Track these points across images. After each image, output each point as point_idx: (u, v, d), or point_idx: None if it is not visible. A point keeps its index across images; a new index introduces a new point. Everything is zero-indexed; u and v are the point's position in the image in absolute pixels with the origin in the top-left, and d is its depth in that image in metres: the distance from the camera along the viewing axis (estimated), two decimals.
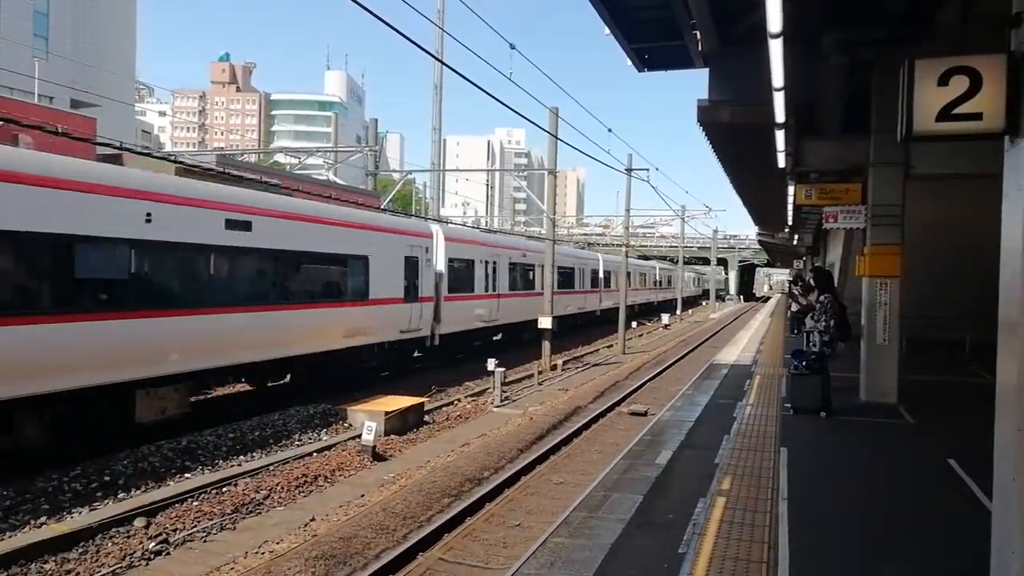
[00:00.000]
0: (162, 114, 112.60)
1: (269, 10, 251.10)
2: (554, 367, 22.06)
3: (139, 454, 10.17)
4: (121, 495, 9.14)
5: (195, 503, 9.11)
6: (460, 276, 21.11)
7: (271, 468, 10.60)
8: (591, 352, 27.86)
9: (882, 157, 12.88)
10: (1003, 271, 4.48)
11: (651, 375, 21.25)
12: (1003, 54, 4.54)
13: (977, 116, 4.72)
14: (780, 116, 11.29)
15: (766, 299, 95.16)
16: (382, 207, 20.72)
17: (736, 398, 14.06)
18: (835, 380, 12.43)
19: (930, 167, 12.63)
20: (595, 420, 14.81)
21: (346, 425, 13.28)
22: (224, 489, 9.64)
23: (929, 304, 19.63)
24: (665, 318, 43.18)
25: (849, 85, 13.01)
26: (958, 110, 4.80)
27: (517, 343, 25.88)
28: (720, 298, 75.50)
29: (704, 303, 69.26)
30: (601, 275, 37.20)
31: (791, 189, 17.70)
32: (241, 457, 11.10)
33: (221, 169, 15.39)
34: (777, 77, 9.50)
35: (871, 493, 8.15)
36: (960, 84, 4.77)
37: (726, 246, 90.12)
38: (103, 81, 42.33)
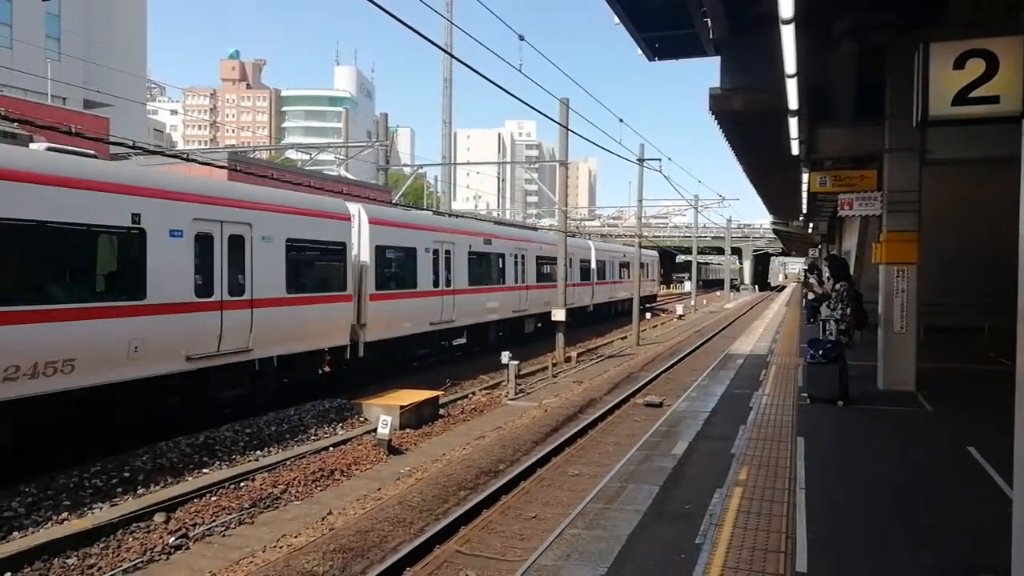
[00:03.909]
0: (174, 112, 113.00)
1: (278, 7, 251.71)
2: (568, 359, 22.05)
3: (157, 450, 10.26)
4: (140, 491, 9.24)
5: (213, 498, 9.20)
6: (601, 270, 34.58)
7: (288, 463, 10.67)
8: (605, 344, 27.81)
9: (897, 143, 12.73)
10: (1022, 257, 4.41)
11: (666, 366, 21.18)
12: (1020, 36, 4.47)
13: (994, 99, 4.65)
14: (793, 103, 11.19)
15: (781, 288, 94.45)
16: (393, 201, 21.37)
17: (752, 388, 13.99)
18: (852, 369, 12.35)
19: (948, 152, 12.46)
20: (610, 412, 14.79)
21: (361, 419, 13.34)
22: (242, 484, 9.73)
23: (947, 291, 19.42)
24: (679, 308, 43.03)
25: (862, 70, 12.87)
26: (974, 93, 4.72)
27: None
28: (735, 288, 74.93)
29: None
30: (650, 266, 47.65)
31: (805, 177, 17.55)
32: (258, 452, 11.18)
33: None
34: (789, 64, 9.42)
35: (890, 482, 8.08)
36: (976, 67, 4.69)
37: (740, 235, 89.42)
38: (115, 81, 42.58)
